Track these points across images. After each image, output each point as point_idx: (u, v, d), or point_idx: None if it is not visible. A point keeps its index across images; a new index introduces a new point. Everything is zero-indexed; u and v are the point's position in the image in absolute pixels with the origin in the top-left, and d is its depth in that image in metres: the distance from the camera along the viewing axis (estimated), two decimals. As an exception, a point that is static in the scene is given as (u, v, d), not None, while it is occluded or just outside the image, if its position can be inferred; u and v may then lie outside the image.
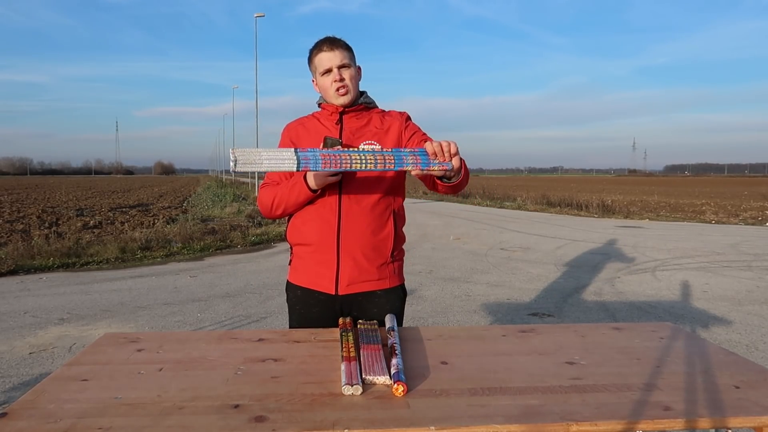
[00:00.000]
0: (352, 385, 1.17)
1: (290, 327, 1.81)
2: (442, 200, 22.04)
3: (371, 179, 1.70)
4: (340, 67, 1.68)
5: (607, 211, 16.29)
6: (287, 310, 1.85)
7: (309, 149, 1.43)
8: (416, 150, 1.45)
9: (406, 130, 1.76)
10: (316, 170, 1.44)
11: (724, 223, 13.50)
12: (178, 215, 13.69)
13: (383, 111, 1.82)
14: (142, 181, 66.31)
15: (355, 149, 1.46)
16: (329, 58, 1.68)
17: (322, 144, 1.61)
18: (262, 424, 1.03)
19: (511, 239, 10.04)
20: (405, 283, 1.85)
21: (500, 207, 19.21)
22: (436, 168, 1.44)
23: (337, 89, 1.68)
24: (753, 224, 13.17)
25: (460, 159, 1.47)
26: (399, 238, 1.78)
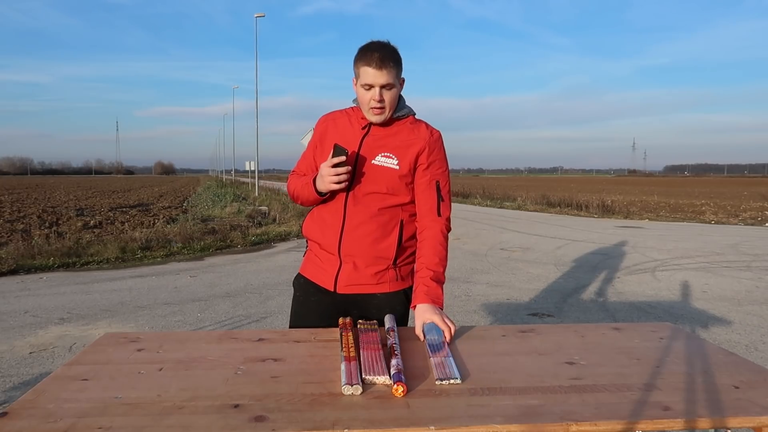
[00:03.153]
0: (352, 385, 1.17)
1: (291, 312, 1.86)
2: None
3: (380, 189, 1.69)
4: (382, 87, 1.62)
5: (607, 211, 16.29)
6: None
7: None
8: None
9: (427, 155, 1.71)
10: None
11: (723, 223, 13.51)
12: (178, 215, 13.69)
13: (416, 122, 1.76)
14: (142, 181, 66.32)
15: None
16: (374, 76, 1.60)
17: (332, 151, 1.61)
18: (262, 423, 1.03)
19: (511, 239, 10.04)
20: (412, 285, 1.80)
21: (500, 207, 19.22)
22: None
23: (373, 108, 1.64)
24: (752, 224, 13.17)
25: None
26: (404, 248, 1.75)
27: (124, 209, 16.27)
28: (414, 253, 1.80)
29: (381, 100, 1.62)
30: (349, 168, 1.61)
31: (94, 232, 10.09)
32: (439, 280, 1.66)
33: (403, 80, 1.71)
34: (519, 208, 18.71)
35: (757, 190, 34.33)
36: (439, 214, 1.72)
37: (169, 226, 10.71)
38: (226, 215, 13.98)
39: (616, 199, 21.41)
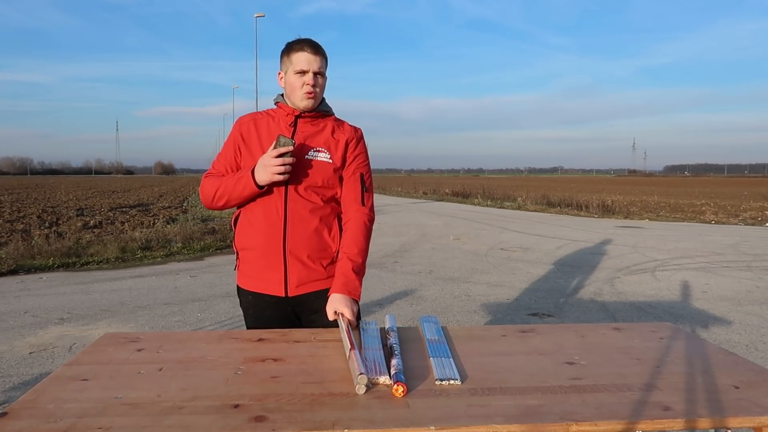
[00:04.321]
0: (366, 375, 1.19)
1: (247, 329, 1.82)
2: (441, 200, 22.05)
3: (317, 184, 1.72)
4: (316, 73, 1.70)
5: (607, 211, 16.29)
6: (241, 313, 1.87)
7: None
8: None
9: (353, 149, 1.79)
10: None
11: (723, 223, 13.50)
12: (178, 215, 13.69)
13: (338, 120, 1.84)
14: (142, 181, 66.32)
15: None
16: (309, 61, 1.68)
17: (274, 143, 1.62)
18: (262, 424, 1.03)
19: (511, 239, 10.04)
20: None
21: (500, 207, 19.22)
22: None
23: (307, 92, 1.69)
24: (753, 224, 13.17)
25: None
26: None
27: (124, 209, 16.28)
28: None
29: (315, 85, 1.69)
30: (294, 159, 1.63)
31: (94, 232, 10.09)
32: (358, 271, 1.70)
33: (327, 78, 1.78)
34: (519, 208, 18.71)
35: (757, 190, 34.33)
36: (363, 204, 1.78)
37: (169, 226, 10.71)
38: (226, 215, 13.98)
39: (616, 199, 21.41)
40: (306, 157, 1.71)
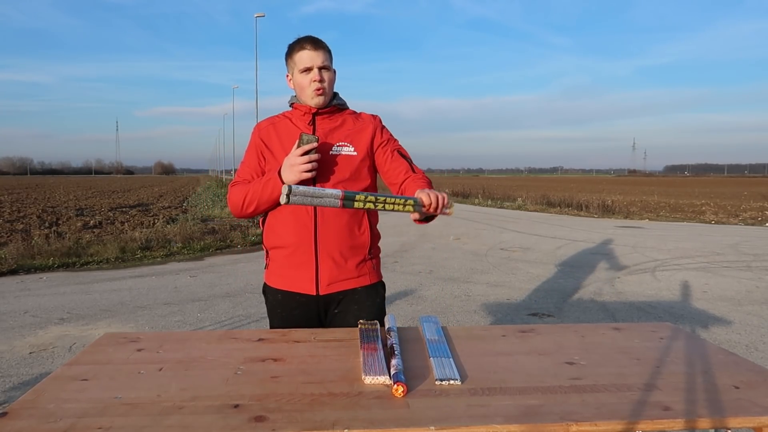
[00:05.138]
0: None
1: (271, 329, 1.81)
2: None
3: (345, 178, 1.71)
4: (321, 68, 1.69)
5: (607, 211, 16.29)
6: (266, 313, 1.86)
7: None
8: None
9: (380, 135, 1.78)
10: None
11: (723, 223, 13.50)
12: (178, 215, 13.69)
13: (355, 112, 1.83)
14: (142, 181, 66.31)
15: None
16: (311, 57, 1.68)
17: (297, 142, 1.61)
18: (262, 424, 1.03)
19: (511, 239, 10.04)
20: (384, 279, 1.87)
21: (500, 207, 19.22)
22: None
23: (316, 89, 1.68)
24: (753, 224, 13.17)
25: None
26: (375, 236, 1.80)
27: (124, 209, 16.27)
28: (378, 244, 1.84)
29: (321, 80, 1.68)
30: (319, 155, 1.62)
31: (94, 232, 10.09)
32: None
33: (335, 71, 1.76)
34: (519, 208, 18.71)
35: (757, 190, 34.33)
36: (414, 172, 1.76)
37: (169, 226, 10.71)
38: (225, 215, 13.98)
39: (616, 199, 21.41)
40: (330, 153, 1.70)
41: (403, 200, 1.47)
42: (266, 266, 1.82)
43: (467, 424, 1.04)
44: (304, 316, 1.75)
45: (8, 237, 9.20)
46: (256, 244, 9.25)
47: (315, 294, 1.72)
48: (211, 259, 7.83)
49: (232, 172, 73.60)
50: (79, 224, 11.42)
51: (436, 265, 7.30)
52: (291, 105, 1.80)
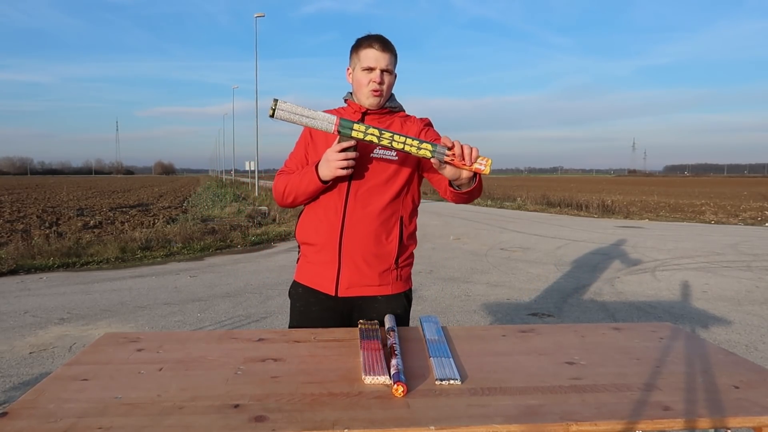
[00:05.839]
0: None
1: (290, 325, 1.81)
2: (442, 200, 22.03)
3: (380, 182, 1.69)
4: (383, 71, 1.66)
5: (607, 211, 16.29)
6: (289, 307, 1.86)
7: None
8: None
9: (425, 135, 1.75)
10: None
11: (723, 223, 13.51)
12: (178, 215, 13.69)
13: (406, 116, 1.80)
14: (142, 181, 66.31)
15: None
16: (377, 58, 1.65)
17: (338, 137, 1.57)
18: (262, 424, 1.03)
19: (511, 239, 10.04)
20: (412, 288, 1.82)
21: (500, 207, 19.22)
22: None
23: (373, 90, 1.67)
24: (752, 224, 13.17)
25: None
26: (405, 246, 1.75)
27: (124, 209, 16.27)
28: (413, 254, 1.80)
29: (381, 82, 1.66)
30: (357, 153, 1.59)
31: (94, 232, 10.08)
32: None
33: (396, 75, 1.75)
34: (519, 208, 18.71)
35: (757, 190, 34.33)
36: None
37: (169, 226, 10.71)
38: (226, 215, 13.98)
39: (616, 199, 21.41)
40: (370, 155, 1.68)
41: (418, 141, 1.43)
42: (297, 260, 1.84)
43: (467, 424, 1.04)
44: (321, 316, 1.74)
45: (8, 237, 9.20)
46: (256, 244, 9.25)
47: (334, 295, 1.71)
48: (211, 259, 7.82)
49: (232, 173, 73.57)
50: (79, 224, 11.42)
51: (436, 265, 7.29)
52: (345, 100, 1.79)
